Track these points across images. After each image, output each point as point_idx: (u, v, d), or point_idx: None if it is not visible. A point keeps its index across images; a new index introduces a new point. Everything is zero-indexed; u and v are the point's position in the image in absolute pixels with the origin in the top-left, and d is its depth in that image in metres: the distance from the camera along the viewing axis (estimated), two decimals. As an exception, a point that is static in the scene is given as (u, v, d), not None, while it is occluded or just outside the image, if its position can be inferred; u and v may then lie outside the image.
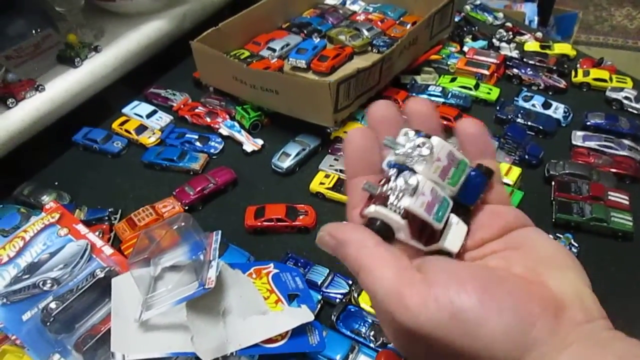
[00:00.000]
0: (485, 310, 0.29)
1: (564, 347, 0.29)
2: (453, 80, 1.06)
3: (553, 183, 0.85)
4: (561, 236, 0.77)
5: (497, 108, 0.99)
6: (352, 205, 0.38)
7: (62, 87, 0.97)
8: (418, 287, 0.31)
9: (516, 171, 0.86)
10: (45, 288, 0.69)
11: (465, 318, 0.29)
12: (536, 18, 2.37)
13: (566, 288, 0.32)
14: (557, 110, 0.99)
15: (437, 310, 0.29)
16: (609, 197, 0.82)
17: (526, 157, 0.89)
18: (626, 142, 0.92)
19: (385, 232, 0.35)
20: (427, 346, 0.31)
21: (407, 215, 0.34)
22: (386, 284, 0.31)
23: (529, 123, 0.95)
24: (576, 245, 0.76)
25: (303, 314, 0.63)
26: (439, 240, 0.36)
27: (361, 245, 0.34)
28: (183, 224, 0.66)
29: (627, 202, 0.82)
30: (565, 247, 0.35)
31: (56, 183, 0.91)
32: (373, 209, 0.35)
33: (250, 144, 0.95)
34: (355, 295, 0.70)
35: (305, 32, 1.17)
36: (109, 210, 0.84)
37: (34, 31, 0.98)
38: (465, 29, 1.22)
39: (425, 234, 0.35)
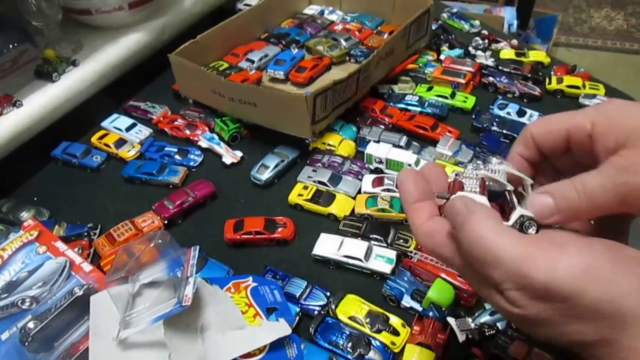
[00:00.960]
0: (618, 267, 0.32)
1: None
2: (430, 89, 1.08)
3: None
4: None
5: (473, 116, 1.01)
6: (420, 222, 0.43)
7: (40, 102, 0.97)
8: (548, 250, 0.34)
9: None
10: (24, 307, 0.69)
11: (599, 272, 0.32)
12: (516, 22, 2.40)
13: None
14: (532, 118, 1.01)
15: (571, 266, 0.33)
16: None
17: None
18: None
19: None
20: (555, 305, 0.33)
21: (484, 189, 0.42)
22: (515, 250, 0.35)
23: (504, 131, 0.97)
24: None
25: (281, 328, 0.64)
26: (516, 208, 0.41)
27: (485, 217, 0.38)
28: (160, 240, 0.66)
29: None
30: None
31: (35, 199, 0.91)
32: (458, 194, 0.41)
33: (230, 157, 0.96)
34: (333, 307, 0.71)
35: (283, 42, 1.18)
36: (89, 225, 0.84)
37: (10, 46, 0.98)
38: (442, 37, 1.24)
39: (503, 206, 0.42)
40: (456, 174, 0.44)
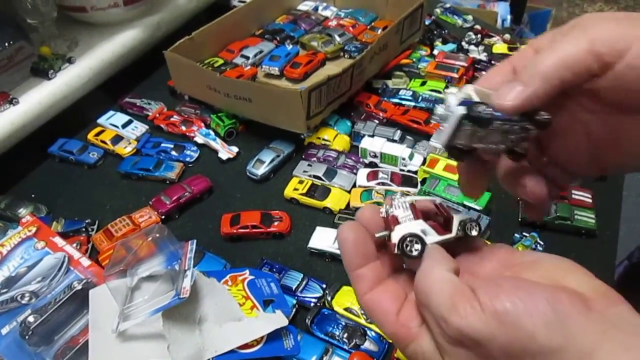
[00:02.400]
0: (524, 305, 0.33)
1: (602, 332, 0.32)
2: (423, 84, 1.09)
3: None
4: (527, 235, 0.80)
5: (466, 110, 1.02)
6: (363, 292, 0.41)
7: (36, 99, 0.98)
8: (465, 297, 0.35)
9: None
10: (23, 301, 0.70)
11: (504, 317, 0.33)
12: (509, 16, 2.41)
13: (583, 285, 0.36)
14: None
15: (483, 312, 0.34)
16: (573, 196, 0.85)
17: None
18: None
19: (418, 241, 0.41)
20: (471, 351, 0.35)
21: (417, 213, 0.42)
22: (442, 295, 0.36)
23: (497, 124, 0.98)
24: (541, 243, 0.79)
25: (277, 319, 0.65)
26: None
27: (430, 267, 0.39)
28: (158, 234, 0.67)
29: (590, 200, 0.85)
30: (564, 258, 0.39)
31: (33, 195, 0.92)
32: (401, 229, 0.41)
33: (226, 152, 0.97)
34: (329, 298, 0.72)
35: (278, 38, 1.19)
36: (86, 221, 0.85)
37: (6, 44, 0.98)
38: (435, 32, 1.25)
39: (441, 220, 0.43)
40: (386, 210, 0.43)
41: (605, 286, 0.36)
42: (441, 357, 0.37)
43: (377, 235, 0.42)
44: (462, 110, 0.38)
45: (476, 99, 0.40)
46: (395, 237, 0.40)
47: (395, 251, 0.40)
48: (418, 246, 0.40)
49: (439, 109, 0.41)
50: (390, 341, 0.68)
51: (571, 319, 0.33)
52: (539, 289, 0.35)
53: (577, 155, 0.44)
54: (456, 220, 0.42)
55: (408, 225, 0.41)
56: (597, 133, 0.42)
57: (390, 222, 0.42)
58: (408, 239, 0.40)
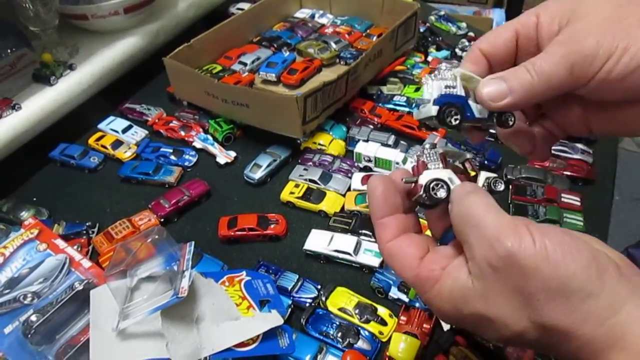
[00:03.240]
0: (570, 249, 0.36)
1: (631, 291, 0.35)
2: (417, 89, 1.11)
3: (510, 187, 0.89)
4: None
5: (459, 116, 1.04)
6: (386, 239, 0.43)
7: (38, 105, 1.00)
8: (520, 229, 0.37)
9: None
10: (25, 302, 0.72)
11: (554, 254, 0.35)
12: (505, 23, 2.44)
13: (613, 254, 0.38)
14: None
15: (534, 244, 0.36)
16: (562, 199, 0.87)
17: (485, 162, 0.94)
18: (579, 146, 0.98)
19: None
20: (511, 277, 0.36)
21: (445, 162, 0.44)
22: (495, 222, 0.38)
23: (489, 130, 1.00)
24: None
25: (273, 319, 0.67)
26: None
27: (479, 197, 0.40)
28: (157, 236, 0.69)
29: (578, 203, 0.87)
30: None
31: (34, 199, 0.94)
32: (429, 173, 0.43)
33: (224, 156, 0.99)
34: (324, 299, 0.74)
35: (275, 45, 1.21)
36: (87, 224, 0.87)
37: (9, 50, 1.00)
38: (429, 39, 1.27)
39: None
40: (417, 156, 0.45)
41: (628, 260, 0.39)
42: (472, 285, 0.38)
43: (404, 180, 0.44)
44: (434, 111, 0.41)
45: (460, 87, 0.43)
46: (423, 179, 0.42)
47: (421, 192, 0.42)
48: (444, 192, 0.42)
49: (424, 92, 0.44)
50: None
51: (607, 273, 0.36)
52: (583, 240, 0.37)
53: (571, 117, 0.48)
54: (482, 176, 0.44)
55: (436, 171, 0.43)
56: (590, 104, 0.46)
57: (420, 167, 0.44)
58: (434, 182, 0.42)
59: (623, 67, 0.39)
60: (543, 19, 0.44)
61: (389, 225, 0.43)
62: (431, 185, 0.42)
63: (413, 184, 0.44)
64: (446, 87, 0.43)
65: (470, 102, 0.44)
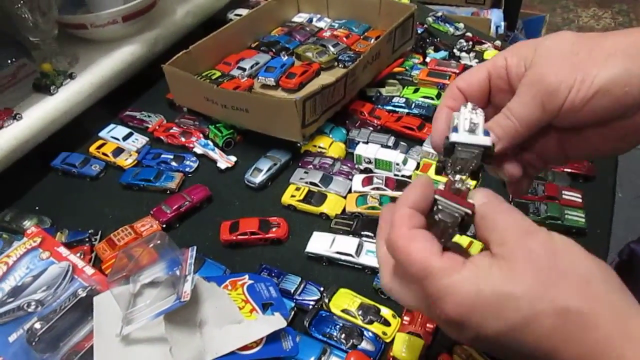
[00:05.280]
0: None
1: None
2: (416, 91, 1.11)
3: (511, 185, 0.89)
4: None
5: (458, 116, 1.04)
6: (412, 225, 0.43)
7: (39, 114, 1.00)
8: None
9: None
10: (29, 310, 0.72)
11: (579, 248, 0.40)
12: (503, 23, 2.44)
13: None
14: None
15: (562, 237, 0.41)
16: (563, 196, 0.87)
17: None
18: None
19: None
20: (552, 257, 0.39)
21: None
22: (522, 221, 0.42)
23: (488, 129, 1.00)
24: (533, 242, 0.81)
25: (276, 321, 0.67)
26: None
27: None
28: (159, 241, 0.69)
29: (579, 200, 0.87)
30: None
31: (37, 208, 0.94)
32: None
33: (224, 161, 0.99)
34: (327, 300, 0.74)
35: (273, 50, 1.22)
36: (89, 231, 0.87)
37: (9, 61, 1.01)
38: (427, 40, 1.28)
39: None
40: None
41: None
42: (499, 265, 0.39)
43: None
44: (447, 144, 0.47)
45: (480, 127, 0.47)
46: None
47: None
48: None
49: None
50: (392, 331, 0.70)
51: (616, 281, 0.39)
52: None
53: (548, 146, 0.53)
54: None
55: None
56: (564, 136, 0.52)
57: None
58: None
59: (583, 96, 0.45)
60: (511, 61, 0.49)
61: (414, 216, 0.43)
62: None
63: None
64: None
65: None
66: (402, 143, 0.99)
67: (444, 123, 0.50)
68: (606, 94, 0.45)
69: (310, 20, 1.35)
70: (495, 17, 2.39)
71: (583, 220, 0.84)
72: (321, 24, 1.33)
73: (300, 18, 1.36)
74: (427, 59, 1.21)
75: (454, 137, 0.46)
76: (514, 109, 0.48)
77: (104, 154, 1.03)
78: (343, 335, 0.70)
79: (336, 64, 1.18)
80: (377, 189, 0.89)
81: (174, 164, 1.00)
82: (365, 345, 0.69)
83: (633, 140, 0.49)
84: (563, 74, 0.45)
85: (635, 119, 0.46)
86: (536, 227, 0.40)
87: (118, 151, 1.03)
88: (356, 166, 0.96)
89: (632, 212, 1.71)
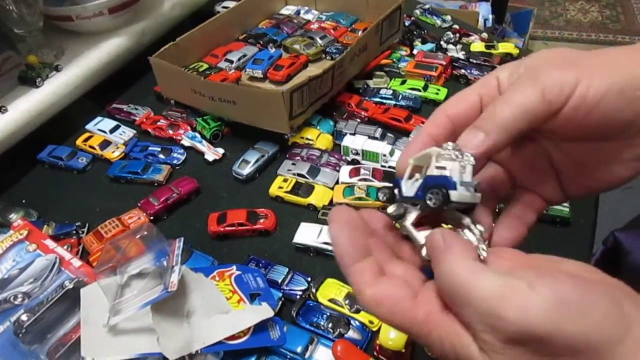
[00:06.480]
0: (586, 293, 0.32)
1: None
2: (403, 82, 1.12)
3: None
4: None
5: (445, 107, 1.05)
6: (367, 286, 0.37)
7: (25, 107, 1.00)
8: (519, 289, 0.32)
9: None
10: (16, 302, 0.72)
11: (568, 307, 0.31)
12: (491, 16, 2.45)
13: (613, 280, 0.35)
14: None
15: (545, 303, 0.31)
16: (548, 186, 0.88)
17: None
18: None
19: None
20: (531, 347, 0.32)
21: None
22: (488, 289, 0.33)
23: (475, 120, 1.01)
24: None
25: (264, 311, 0.68)
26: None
27: (461, 253, 0.36)
28: (146, 232, 0.70)
29: (564, 190, 0.88)
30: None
31: (24, 201, 0.94)
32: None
33: (212, 154, 0.99)
34: (314, 290, 0.75)
35: (261, 42, 1.22)
36: (77, 224, 0.87)
37: (-6, 54, 1.01)
38: (415, 32, 1.28)
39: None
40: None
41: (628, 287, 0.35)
42: (488, 357, 0.33)
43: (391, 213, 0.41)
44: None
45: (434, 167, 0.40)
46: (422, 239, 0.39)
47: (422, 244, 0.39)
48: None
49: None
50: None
51: (626, 307, 0.32)
52: (590, 278, 0.34)
53: (544, 181, 0.46)
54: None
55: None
56: (560, 160, 0.44)
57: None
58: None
59: (594, 92, 0.39)
60: (502, 74, 0.44)
61: (364, 270, 0.37)
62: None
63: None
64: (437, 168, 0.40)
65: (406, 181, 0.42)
66: (389, 134, 0.99)
67: (419, 149, 0.42)
68: (620, 94, 0.39)
69: (298, 13, 1.35)
70: (484, 10, 2.41)
71: (567, 210, 0.85)
72: (309, 16, 1.33)
73: (288, 10, 1.36)
74: (415, 51, 1.21)
75: (454, 197, 0.38)
76: (508, 94, 0.40)
77: (91, 146, 1.02)
78: (330, 325, 0.71)
79: (324, 56, 1.18)
80: (364, 180, 0.90)
81: (161, 156, 1.00)
82: (352, 334, 0.70)
83: None
84: (566, 71, 0.40)
85: None
86: (506, 296, 0.32)
87: (105, 144, 1.03)
88: (344, 158, 0.97)
89: (618, 204, 1.73)
